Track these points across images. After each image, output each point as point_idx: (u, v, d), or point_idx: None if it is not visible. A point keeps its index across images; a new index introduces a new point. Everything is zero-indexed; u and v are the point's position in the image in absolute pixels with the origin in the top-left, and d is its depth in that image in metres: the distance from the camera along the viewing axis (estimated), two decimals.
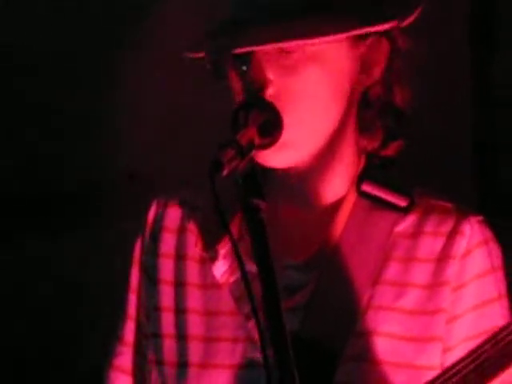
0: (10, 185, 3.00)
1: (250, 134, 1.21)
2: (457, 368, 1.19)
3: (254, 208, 1.17)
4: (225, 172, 1.14)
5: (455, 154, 2.56)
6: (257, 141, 1.22)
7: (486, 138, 2.89)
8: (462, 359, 1.20)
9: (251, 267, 1.15)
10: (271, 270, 1.14)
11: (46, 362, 2.98)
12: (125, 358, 1.52)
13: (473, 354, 1.19)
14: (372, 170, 1.43)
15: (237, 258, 1.14)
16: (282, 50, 1.30)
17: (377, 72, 1.38)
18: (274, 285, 1.13)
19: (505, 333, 1.19)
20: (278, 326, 1.11)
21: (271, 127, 1.26)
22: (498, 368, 1.18)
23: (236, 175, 1.18)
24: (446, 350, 1.35)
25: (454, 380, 1.19)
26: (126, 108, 2.74)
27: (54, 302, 3.01)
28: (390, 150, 1.43)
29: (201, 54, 1.35)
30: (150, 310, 1.47)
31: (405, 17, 1.35)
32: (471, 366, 1.18)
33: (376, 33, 1.34)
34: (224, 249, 1.40)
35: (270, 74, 1.30)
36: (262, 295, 1.12)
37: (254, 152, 1.21)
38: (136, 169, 2.70)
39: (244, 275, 1.12)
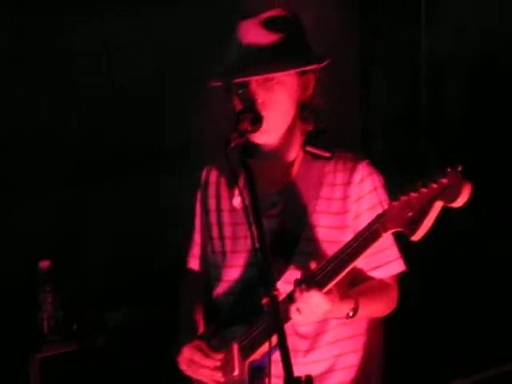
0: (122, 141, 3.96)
1: (245, 125, 2.26)
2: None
3: (247, 163, 2.29)
4: (232, 145, 2.21)
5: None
6: (249, 128, 2.27)
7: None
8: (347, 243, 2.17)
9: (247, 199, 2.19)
10: (257, 200, 2.19)
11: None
12: (195, 249, 2.68)
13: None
14: (310, 140, 2.47)
15: (240, 195, 2.33)
16: (265, 79, 2.31)
17: (309, 92, 2.43)
18: (258, 207, 2.18)
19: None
20: (260, 228, 2.12)
21: (256, 121, 2.29)
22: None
23: (238, 147, 2.26)
24: (354, 232, 2.27)
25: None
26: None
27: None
28: (317, 129, 2.47)
29: (218, 83, 2.40)
30: (205, 224, 2.60)
31: (323, 62, 2.38)
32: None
33: (309, 71, 2.39)
34: (236, 191, 2.48)
35: (259, 91, 2.32)
36: (253, 212, 2.15)
37: (248, 135, 2.28)
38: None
39: (244, 203, 2.19)
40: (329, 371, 2.40)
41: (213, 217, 2.58)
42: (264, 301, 1.95)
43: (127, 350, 3.60)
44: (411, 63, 4.42)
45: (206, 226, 2.60)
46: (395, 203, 2.04)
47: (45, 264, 3.51)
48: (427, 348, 4.01)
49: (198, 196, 2.64)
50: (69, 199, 3.94)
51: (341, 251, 2.16)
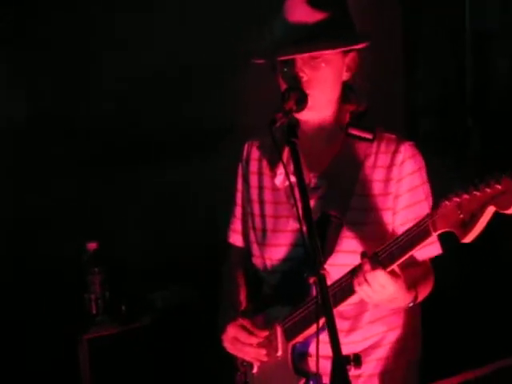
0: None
1: (291, 104, 2.22)
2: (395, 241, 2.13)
3: (293, 142, 2.15)
4: (277, 125, 2.15)
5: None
6: (294, 108, 2.22)
7: None
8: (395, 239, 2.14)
9: (292, 179, 2.11)
10: (303, 179, 2.09)
11: None
12: (237, 224, 2.66)
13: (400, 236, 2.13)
14: (353, 121, 2.44)
15: (286, 174, 2.20)
16: (311, 57, 2.29)
17: (352, 71, 2.40)
18: (305, 187, 2.08)
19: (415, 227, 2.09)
20: (307, 208, 2.04)
21: (302, 100, 2.25)
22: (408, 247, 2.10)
23: (283, 126, 2.17)
24: (394, 214, 2.35)
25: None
26: None
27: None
28: (361, 109, 2.46)
29: (262, 60, 2.39)
30: (246, 201, 2.59)
31: (369, 41, 2.35)
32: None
33: (354, 50, 2.36)
34: (280, 169, 2.47)
35: (305, 70, 2.29)
36: (300, 192, 2.06)
37: (293, 113, 2.22)
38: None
39: (290, 183, 2.13)
40: (370, 349, 2.41)
41: (254, 193, 2.56)
42: (311, 280, 1.94)
43: (174, 330, 3.63)
44: (456, 41, 4.37)
45: (247, 202, 2.59)
46: (447, 203, 2.00)
47: (92, 246, 3.54)
48: (459, 333, 3.99)
49: (239, 171, 2.63)
50: (109, 181, 3.98)
51: (389, 245, 2.14)
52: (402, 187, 2.37)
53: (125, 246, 3.88)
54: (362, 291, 2.16)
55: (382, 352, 2.42)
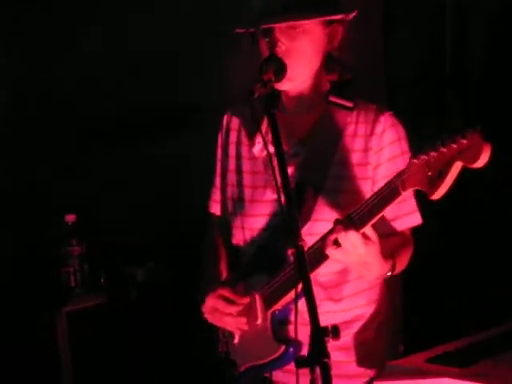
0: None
1: (269, 74, 2.20)
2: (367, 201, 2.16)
3: (271, 113, 2.13)
4: (256, 95, 2.14)
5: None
6: (273, 78, 2.20)
7: None
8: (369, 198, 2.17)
9: (271, 148, 2.11)
10: (282, 149, 2.08)
11: None
12: (216, 194, 2.65)
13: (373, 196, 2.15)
14: (334, 90, 2.46)
15: (264, 143, 2.28)
16: (289, 27, 2.29)
17: (335, 43, 2.40)
18: (283, 157, 2.07)
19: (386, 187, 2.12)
20: (286, 179, 2.03)
21: (280, 71, 2.24)
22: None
23: (263, 96, 2.16)
24: (373, 184, 2.36)
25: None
26: None
27: None
28: (342, 80, 2.47)
29: (242, 31, 2.37)
30: (225, 170, 2.59)
31: (349, 14, 2.38)
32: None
33: (336, 21, 2.37)
34: (258, 138, 2.48)
35: (283, 39, 2.29)
36: (278, 162, 2.04)
37: (272, 83, 2.20)
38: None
39: (268, 152, 2.13)
40: (350, 322, 2.43)
41: (232, 163, 2.57)
42: (290, 251, 1.94)
43: (153, 305, 3.62)
44: (436, 15, 4.37)
45: (226, 172, 2.59)
46: (415, 161, 2.01)
47: (70, 218, 3.52)
48: (440, 300, 4.01)
49: (219, 141, 2.63)
50: (95, 157, 3.97)
51: (361, 207, 2.15)
52: (381, 157, 2.37)
53: (104, 220, 3.88)
54: (332, 253, 2.17)
55: (359, 326, 2.44)
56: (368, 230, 2.15)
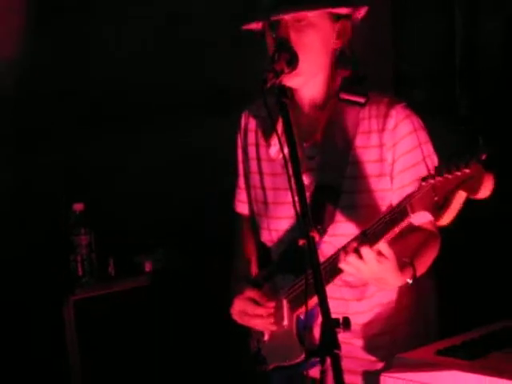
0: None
1: (281, 64, 2.19)
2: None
3: (284, 104, 2.13)
4: (268, 85, 2.11)
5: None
6: (285, 68, 2.19)
7: None
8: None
9: (286, 150, 2.07)
10: (296, 151, 2.06)
11: None
12: (242, 194, 2.67)
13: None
14: (345, 87, 2.41)
15: (280, 146, 2.15)
16: (296, 20, 2.28)
17: (345, 38, 2.39)
18: (297, 158, 2.06)
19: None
20: (300, 180, 2.02)
21: (292, 61, 2.23)
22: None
23: (274, 87, 2.14)
24: (391, 179, 2.33)
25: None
26: None
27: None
28: (355, 76, 2.42)
29: (251, 26, 2.39)
30: (248, 172, 2.60)
31: (357, 8, 2.38)
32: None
33: (345, 17, 2.36)
34: (274, 140, 2.46)
35: (290, 32, 2.28)
36: (292, 163, 2.04)
37: (284, 75, 2.18)
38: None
39: (283, 154, 2.07)
40: (376, 318, 2.43)
41: (253, 165, 2.57)
42: (301, 242, 1.93)
43: (164, 293, 3.62)
44: (446, 9, 4.36)
45: (248, 173, 2.60)
46: (423, 184, 1.97)
47: (78, 206, 3.52)
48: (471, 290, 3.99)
49: (238, 142, 2.63)
50: (109, 140, 3.97)
51: (376, 223, 2.12)
52: (396, 152, 2.33)
53: (120, 208, 3.88)
54: (347, 268, 2.16)
55: (386, 320, 2.43)
56: (383, 246, 2.11)
